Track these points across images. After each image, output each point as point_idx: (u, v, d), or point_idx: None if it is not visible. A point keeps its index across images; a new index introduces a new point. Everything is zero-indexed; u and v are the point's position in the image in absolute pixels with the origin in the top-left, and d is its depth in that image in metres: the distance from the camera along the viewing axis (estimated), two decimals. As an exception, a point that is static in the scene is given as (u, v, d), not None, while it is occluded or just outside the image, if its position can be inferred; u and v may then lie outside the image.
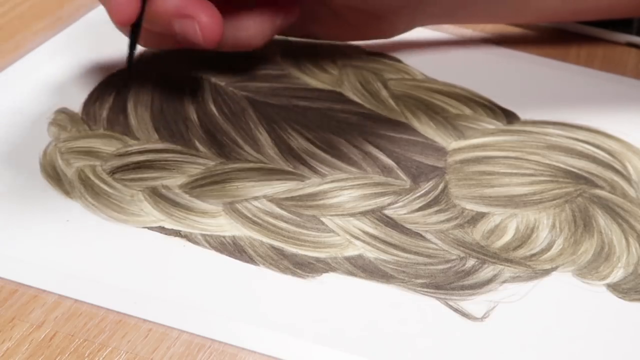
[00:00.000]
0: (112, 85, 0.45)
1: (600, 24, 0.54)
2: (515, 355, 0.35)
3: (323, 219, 0.39)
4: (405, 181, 0.42)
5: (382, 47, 0.51)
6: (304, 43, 0.50)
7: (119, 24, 0.39)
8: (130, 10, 0.38)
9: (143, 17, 0.39)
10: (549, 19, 0.53)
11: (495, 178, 0.42)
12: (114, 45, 0.46)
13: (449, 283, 0.37)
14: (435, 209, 0.41)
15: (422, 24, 0.51)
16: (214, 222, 0.39)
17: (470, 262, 0.38)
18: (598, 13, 0.51)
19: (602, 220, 0.41)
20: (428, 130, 0.45)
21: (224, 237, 0.38)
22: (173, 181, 0.40)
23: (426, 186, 0.42)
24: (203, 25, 0.40)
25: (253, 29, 0.44)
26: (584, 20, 0.54)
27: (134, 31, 0.39)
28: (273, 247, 0.38)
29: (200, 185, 0.40)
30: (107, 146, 0.42)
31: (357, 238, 0.39)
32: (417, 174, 0.42)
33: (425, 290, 0.37)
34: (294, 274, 0.37)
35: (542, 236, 0.40)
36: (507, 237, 0.39)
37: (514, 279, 0.38)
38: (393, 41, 0.51)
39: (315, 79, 0.48)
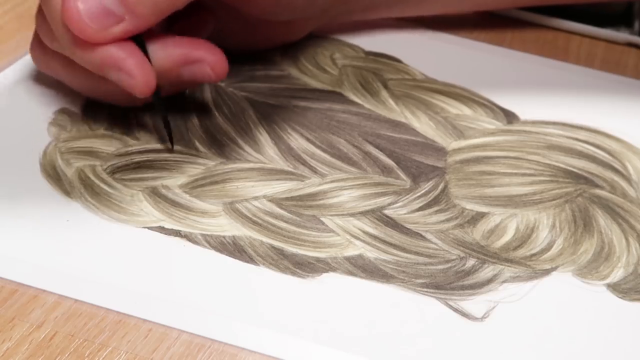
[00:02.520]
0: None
1: (601, 24, 0.55)
2: (515, 355, 0.35)
3: (323, 219, 0.39)
4: (405, 181, 0.42)
5: (382, 47, 0.51)
6: (303, 43, 0.50)
7: (145, 96, 0.39)
8: (152, 82, 0.38)
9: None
10: (487, 6, 0.54)
11: (495, 178, 0.42)
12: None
13: (449, 283, 0.37)
14: (435, 208, 0.41)
15: (333, 21, 0.51)
16: (214, 222, 0.39)
17: (470, 262, 0.38)
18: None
19: (602, 220, 0.41)
20: (428, 130, 0.45)
21: (224, 237, 0.38)
22: (173, 181, 0.40)
23: (426, 186, 0.42)
24: (212, 64, 0.40)
25: None
26: (522, 6, 0.55)
27: (157, 94, 0.40)
28: (273, 247, 0.38)
29: (200, 185, 0.40)
30: (107, 146, 0.42)
31: (357, 238, 0.39)
32: (417, 174, 0.42)
33: (425, 290, 0.37)
34: (294, 274, 0.37)
35: (542, 236, 0.40)
36: (507, 237, 0.40)
37: (514, 279, 0.38)
38: (393, 41, 0.51)
39: (315, 79, 0.48)
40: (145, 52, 0.39)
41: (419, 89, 0.48)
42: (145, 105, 0.43)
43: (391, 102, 0.47)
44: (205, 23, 0.44)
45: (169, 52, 0.40)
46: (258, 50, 0.49)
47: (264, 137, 0.43)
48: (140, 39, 0.39)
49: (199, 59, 0.40)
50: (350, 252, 0.38)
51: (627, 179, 0.43)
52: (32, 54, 0.43)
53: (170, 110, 0.44)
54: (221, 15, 0.45)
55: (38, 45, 0.42)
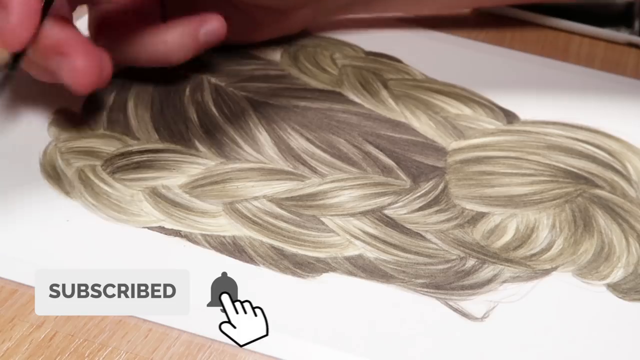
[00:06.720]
0: (112, 85, 0.45)
1: (600, 24, 0.55)
2: (515, 355, 0.35)
3: (323, 219, 0.39)
4: (405, 181, 0.42)
5: (382, 47, 0.51)
6: (303, 43, 0.50)
7: (11, 49, 0.36)
8: (24, 38, 0.36)
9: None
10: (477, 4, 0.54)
11: (495, 178, 0.42)
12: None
13: (449, 283, 0.37)
14: (435, 209, 0.41)
15: (330, 16, 0.51)
16: (214, 222, 0.39)
17: (470, 262, 0.38)
18: None
19: (602, 220, 0.41)
20: (428, 130, 0.45)
21: (224, 237, 0.38)
22: (173, 181, 0.40)
23: (426, 186, 0.42)
24: (77, 68, 0.38)
25: (172, 43, 0.43)
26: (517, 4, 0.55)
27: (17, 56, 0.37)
28: (273, 247, 0.38)
29: (200, 185, 0.40)
30: (107, 146, 0.42)
31: (357, 238, 0.39)
32: (417, 174, 0.42)
33: (425, 290, 0.37)
34: (294, 274, 0.37)
35: (542, 236, 0.40)
36: (507, 237, 0.40)
37: (514, 279, 0.38)
38: (393, 41, 0.51)
39: (315, 79, 0.48)
40: (46, 12, 0.37)
41: (419, 89, 0.48)
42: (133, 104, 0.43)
43: (391, 102, 0.47)
44: (211, 25, 0.44)
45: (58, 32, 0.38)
46: (256, 42, 0.49)
47: (264, 137, 0.43)
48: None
49: (67, 54, 0.38)
50: (350, 252, 0.38)
51: (627, 179, 0.43)
52: None
53: (167, 107, 0.44)
54: (216, 7, 0.45)
55: None
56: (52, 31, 0.38)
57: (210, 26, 0.43)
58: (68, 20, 0.39)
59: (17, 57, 0.37)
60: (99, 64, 0.38)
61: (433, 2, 0.52)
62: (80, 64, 0.38)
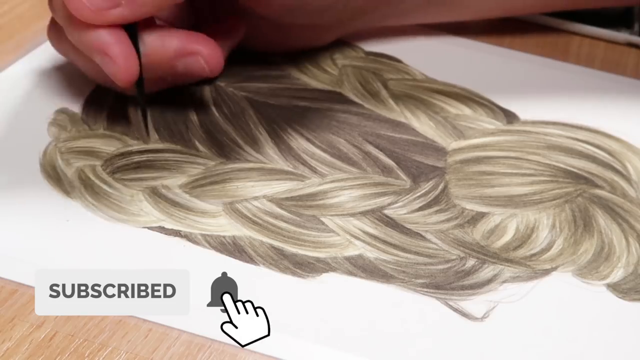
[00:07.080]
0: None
1: (600, 24, 0.55)
2: (516, 355, 0.35)
3: (323, 219, 0.39)
4: (405, 181, 0.42)
5: (382, 47, 0.51)
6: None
7: (126, 85, 0.39)
8: (134, 72, 0.38)
9: (142, 71, 0.39)
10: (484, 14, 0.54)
11: (495, 178, 0.42)
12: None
13: (449, 283, 0.37)
14: (435, 209, 0.41)
15: (364, 28, 0.51)
16: (214, 222, 0.39)
17: (470, 262, 0.38)
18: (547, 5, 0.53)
19: (602, 220, 0.41)
20: (428, 130, 0.45)
21: (224, 237, 0.38)
22: (173, 181, 0.40)
23: (426, 186, 0.42)
24: (207, 57, 0.40)
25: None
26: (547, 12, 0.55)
27: (140, 85, 0.40)
28: (273, 247, 0.38)
29: (200, 185, 0.40)
30: (107, 146, 0.42)
31: (357, 238, 0.39)
32: (417, 174, 0.42)
33: (425, 290, 0.37)
34: (294, 274, 0.37)
35: (542, 236, 0.40)
36: (507, 237, 0.40)
37: (514, 279, 0.38)
38: (393, 41, 0.51)
39: (315, 80, 0.48)
40: (136, 42, 0.39)
41: (419, 89, 0.48)
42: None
43: (391, 102, 0.47)
44: (235, 30, 0.44)
45: (165, 43, 0.40)
46: (286, 51, 0.49)
47: (264, 137, 0.43)
48: (133, 29, 0.39)
49: (194, 51, 0.40)
50: (350, 252, 0.38)
51: (627, 179, 0.43)
52: (48, 33, 0.43)
53: (167, 107, 0.44)
54: (247, 16, 0.45)
55: (53, 23, 0.42)
56: (163, 43, 0.40)
57: (234, 36, 0.45)
58: (161, 27, 0.41)
59: (140, 87, 0.40)
60: (217, 45, 0.41)
61: (465, 10, 0.52)
62: (208, 53, 0.40)
